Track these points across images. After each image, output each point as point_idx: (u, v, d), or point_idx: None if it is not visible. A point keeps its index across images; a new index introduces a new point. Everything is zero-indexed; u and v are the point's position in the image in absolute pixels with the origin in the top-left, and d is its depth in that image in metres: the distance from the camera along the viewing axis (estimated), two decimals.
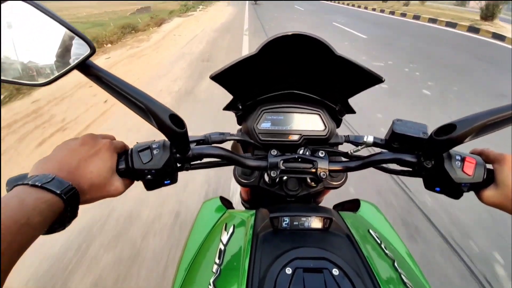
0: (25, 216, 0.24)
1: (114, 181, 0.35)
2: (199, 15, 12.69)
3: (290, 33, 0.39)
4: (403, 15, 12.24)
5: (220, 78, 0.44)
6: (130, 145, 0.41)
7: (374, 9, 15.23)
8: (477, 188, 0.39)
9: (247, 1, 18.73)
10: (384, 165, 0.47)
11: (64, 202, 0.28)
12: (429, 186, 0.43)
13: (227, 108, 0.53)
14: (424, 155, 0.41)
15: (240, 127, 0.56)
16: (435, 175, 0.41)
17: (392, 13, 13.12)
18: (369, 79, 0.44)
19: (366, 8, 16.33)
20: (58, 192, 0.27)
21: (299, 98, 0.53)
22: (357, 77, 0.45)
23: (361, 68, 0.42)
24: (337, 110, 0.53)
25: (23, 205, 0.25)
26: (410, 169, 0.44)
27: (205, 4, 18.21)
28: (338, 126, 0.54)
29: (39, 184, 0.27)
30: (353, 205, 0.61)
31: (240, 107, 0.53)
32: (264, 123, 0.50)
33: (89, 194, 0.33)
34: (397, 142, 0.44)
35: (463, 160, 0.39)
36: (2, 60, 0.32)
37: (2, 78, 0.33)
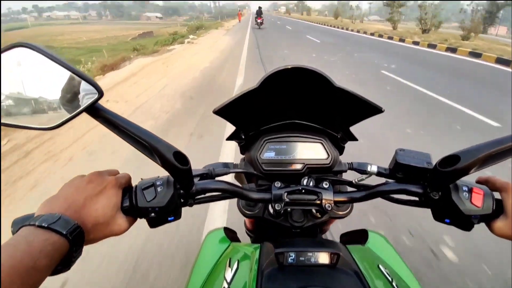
0: (33, 260, 0.25)
1: (118, 219, 0.36)
2: (179, 51, 9.14)
3: (289, 67, 0.40)
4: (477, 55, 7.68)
5: (223, 112, 0.46)
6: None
7: (416, 43, 10.53)
8: (488, 219, 0.38)
9: (249, 29, 17.87)
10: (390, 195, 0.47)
11: (69, 243, 0.28)
12: (438, 217, 0.42)
13: (230, 138, 0.54)
14: (430, 186, 0.41)
15: (243, 156, 0.57)
16: (443, 206, 0.40)
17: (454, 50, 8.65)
18: (369, 109, 0.45)
19: (402, 40, 11.56)
20: (64, 232, 0.28)
21: (301, 128, 0.53)
22: (358, 107, 0.46)
23: (361, 99, 0.43)
24: (339, 138, 0.54)
25: (31, 247, 0.25)
26: (417, 199, 0.44)
27: (199, 33, 16.24)
28: (341, 153, 0.55)
29: (46, 225, 0.27)
30: (360, 235, 0.60)
31: (243, 137, 0.54)
32: (267, 153, 0.51)
33: (93, 233, 0.33)
34: (402, 172, 0.44)
35: (470, 191, 0.39)
36: (12, 105, 0.33)
37: (12, 123, 0.34)
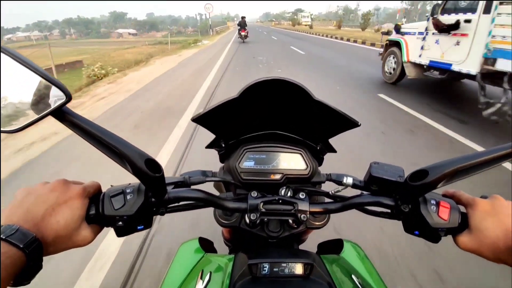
0: None
1: (81, 231, 0.35)
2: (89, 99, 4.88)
3: (270, 78, 0.41)
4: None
5: (202, 120, 0.46)
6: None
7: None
8: (453, 232, 0.40)
9: (230, 43, 15.92)
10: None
11: (26, 256, 0.28)
12: (408, 229, 0.44)
13: (210, 146, 0.55)
14: (401, 199, 0.43)
15: (223, 165, 0.57)
16: (412, 219, 0.42)
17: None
18: (346, 122, 0.47)
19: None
20: (21, 246, 0.27)
21: (281, 138, 0.55)
22: (335, 120, 0.47)
23: (338, 112, 0.45)
24: (318, 149, 0.55)
25: None
26: (389, 211, 0.46)
27: (169, 52, 12.15)
28: (320, 164, 0.56)
29: (4, 237, 0.27)
30: (336, 245, 0.61)
31: (223, 145, 0.54)
32: (247, 162, 0.52)
33: (54, 246, 0.32)
34: (375, 184, 0.45)
35: (438, 204, 0.41)
36: None
37: None
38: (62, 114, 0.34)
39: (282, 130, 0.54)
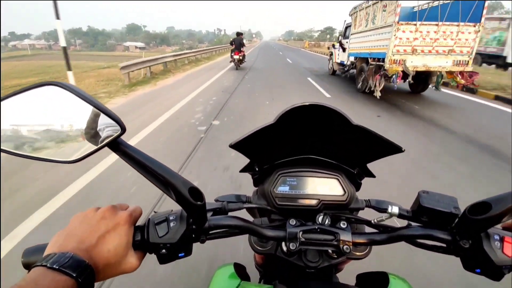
0: None
1: (129, 257, 0.36)
2: None
3: (307, 104, 0.42)
4: None
5: (239, 146, 0.47)
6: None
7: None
8: None
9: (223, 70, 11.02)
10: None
11: (78, 285, 0.28)
12: (468, 267, 0.42)
13: (244, 170, 0.55)
14: (459, 234, 0.40)
15: (256, 188, 0.57)
16: (474, 255, 0.40)
17: None
18: (388, 148, 0.46)
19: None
20: (75, 275, 0.28)
21: (317, 162, 0.54)
22: (376, 146, 0.47)
23: (380, 138, 0.44)
24: (355, 174, 0.54)
25: None
26: (444, 246, 0.43)
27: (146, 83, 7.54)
28: (357, 190, 0.55)
29: (57, 267, 0.28)
30: (379, 279, 0.57)
31: (257, 169, 0.54)
32: (281, 187, 0.51)
33: (103, 273, 0.33)
34: (425, 215, 0.43)
35: (502, 240, 0.38)
36: (38, 139, 0.35)
37: (37, 156, 0.36)
38: (116, 145, 0.36)
39: (318, 155, 0.54)
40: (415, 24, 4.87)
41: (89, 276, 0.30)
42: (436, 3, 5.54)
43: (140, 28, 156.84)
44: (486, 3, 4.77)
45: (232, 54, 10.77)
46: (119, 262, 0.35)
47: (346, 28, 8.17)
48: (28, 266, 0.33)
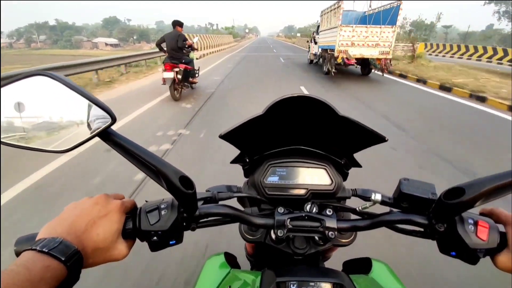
0: (33, 287, 0.25)
1: (118, 244, 0.35)
2: None
3: (295, 95, 0.42)
4: None
5: (228, 136, 0.46)
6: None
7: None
8: (492, 253, 0.38)
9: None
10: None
11: (67, 269, 0.28)
12: (443, 250, 0.41)
13: (235, 161, 0.54)
14: (435, 218, 0.40)
15: (247, 179, 0.56)
16: (449, 239, 0.40)
17: None
18: (373, 138, 0.46)
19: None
20: (63, 259, 0.27)
21: (306, 153, 0.54)
22: (361, 136, 0.47)
23: (365, 128, 0.44)
24: (342, 164, 0.54)
25: (31, 275, 0.25)
26: (422, 230, 0.43)
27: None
28: (344, 179, 0.55)
29: (46, 250, 0.27)
30: (363, 264, 0.58)
31: (247, 160, 0.54)
32: (271, 177, 0.51)
33: (92, 258, 0.32)
34: (406, 201, 0.43)
35: (476, 224, 0.38)
36: (27, 130, 0.34)
37: (28, 146, 0.35)
38: (107, 135, 0.35)
39: (306, 145, 0.53)
40: (352, 26, 6.92)
41: (78, 261, 0.29)
42: (371, 11, 8.24)
43: (118, 22, 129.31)
44: (400, 12, 6.82)
45: (165, 69, 4.77)
46: (108, 248, 0.34)
47: (318, 26, 10.06)
48: (20, 254, 0.31)
